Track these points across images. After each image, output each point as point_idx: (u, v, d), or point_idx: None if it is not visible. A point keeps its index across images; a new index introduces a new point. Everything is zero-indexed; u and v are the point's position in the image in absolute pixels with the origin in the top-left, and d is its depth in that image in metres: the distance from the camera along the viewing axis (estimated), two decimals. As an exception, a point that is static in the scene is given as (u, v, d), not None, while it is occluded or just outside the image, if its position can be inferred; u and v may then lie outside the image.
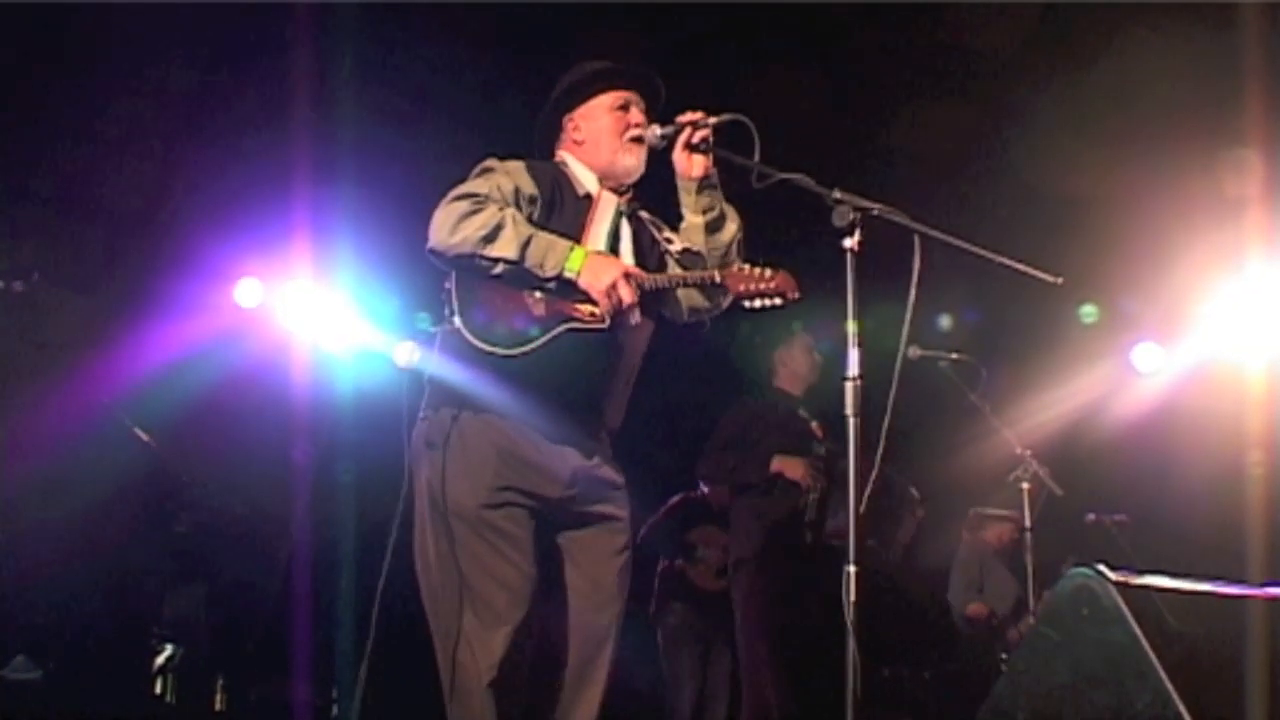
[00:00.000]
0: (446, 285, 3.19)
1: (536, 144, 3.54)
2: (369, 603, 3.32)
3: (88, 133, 6.12)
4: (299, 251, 7.28)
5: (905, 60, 6.47)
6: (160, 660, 5.76)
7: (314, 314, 7.54)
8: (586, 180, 3.43)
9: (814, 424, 5.77)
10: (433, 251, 3.16)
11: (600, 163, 3.42)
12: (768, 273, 3.18)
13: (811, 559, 5.48)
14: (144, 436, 5.90)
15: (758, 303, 3.18)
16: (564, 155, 3.49)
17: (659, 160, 3.41)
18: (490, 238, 3.08)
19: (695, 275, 3.29)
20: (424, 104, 6.53)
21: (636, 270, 3.25)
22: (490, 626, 3.06)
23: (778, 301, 3.16)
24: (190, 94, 6.15)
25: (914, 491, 5.78)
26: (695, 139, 3.30)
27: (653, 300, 3.38)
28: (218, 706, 5.88)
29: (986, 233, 2.98)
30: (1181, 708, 2.71)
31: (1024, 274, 2.94)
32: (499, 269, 3.10)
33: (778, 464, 5.46)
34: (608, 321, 3.14)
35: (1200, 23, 5.62)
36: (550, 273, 3.11)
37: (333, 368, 7.79)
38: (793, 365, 5.90)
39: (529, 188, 3.29)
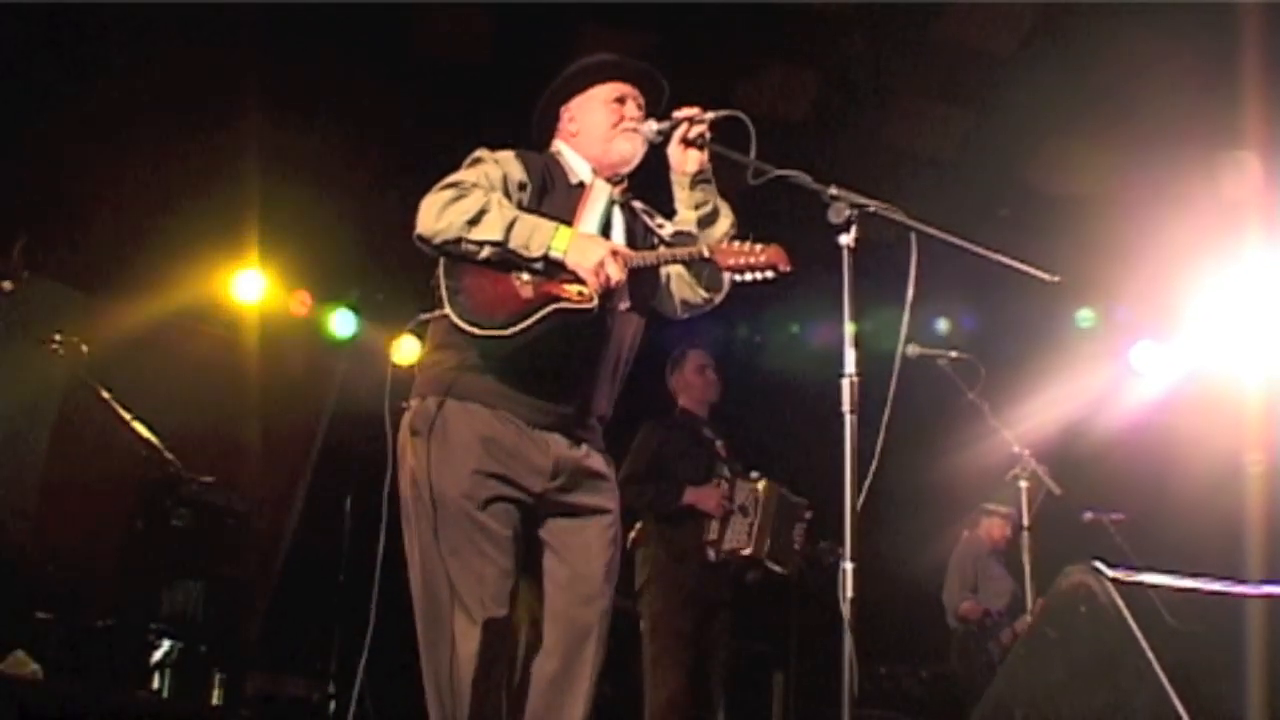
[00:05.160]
0: (435, 274, 3.18)
1: (533, 134, 3.53)
2: (366, 597, 3.31)
3: (84, 129, 6.11)
4: (299, 245, 7.30)
5: (903, 59, 6.47)
6: (158, 655, 5.75)
7: (313, 308, 7.56)
8: (580, 169, 3.42)
9: (719, 444, 5.87)
10: (419, 238, 3.14)
11: (595, 153, 3.41)
12: (758, 246, 3.13)
13: (714, 575, 5.63)
14: (143, 431, 5.89)
15: (749, 276, 3.14)
16: (559, 145, 3.48)
17: (653, 154, 3.40)
18: (475, 221, 3.06)
19: (683, 251, 3.23)
20: (427, 99, 6.54)
21: (624, 248, 3.21)
22: (469, 620, 3.04)
23: (769, 275, 3.12)
24: (189, 89, 6.14)
25: (795, 498, 5.82)
26: (691, 134, 3.28)
27: (644, 293, 3.37)
28: (215, 701, 5.87)
29: (984, 233, 2.97)
30: (1179, 706, 2.71)
31: (1020, 272, 2.94)
32: (485, 252, 3.08)
33: (690, 496, 5.59)
34: (596, 301, 3.10)
35: (1200, 23, 5.61)
36: (536, 253, 3.08)
37: (331, 362, 7.82)
38: (689, 387, 5.96)
39: (518, 174, 3.28)
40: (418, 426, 3.20)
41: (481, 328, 3.07)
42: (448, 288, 3.13)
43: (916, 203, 3.03)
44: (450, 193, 3.12)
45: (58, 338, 5.87)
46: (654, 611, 5.58)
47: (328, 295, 7.72)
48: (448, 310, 3.10)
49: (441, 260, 3.16)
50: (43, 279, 6.41)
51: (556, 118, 3.50)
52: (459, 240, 3.08)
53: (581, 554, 3.24)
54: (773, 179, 3.08)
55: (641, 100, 3.46)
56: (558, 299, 3.09)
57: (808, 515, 5.83)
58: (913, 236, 2.91)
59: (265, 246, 7.18)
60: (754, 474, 5.74)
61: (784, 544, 5.73)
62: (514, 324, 3.05)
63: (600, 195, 3.36)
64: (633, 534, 5.72)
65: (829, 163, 3.26)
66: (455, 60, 6.37)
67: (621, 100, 3.43)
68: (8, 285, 5.65)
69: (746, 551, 5.55)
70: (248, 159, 6.54)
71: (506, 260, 3.10)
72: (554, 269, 3.10)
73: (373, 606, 3.28)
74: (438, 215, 3.09)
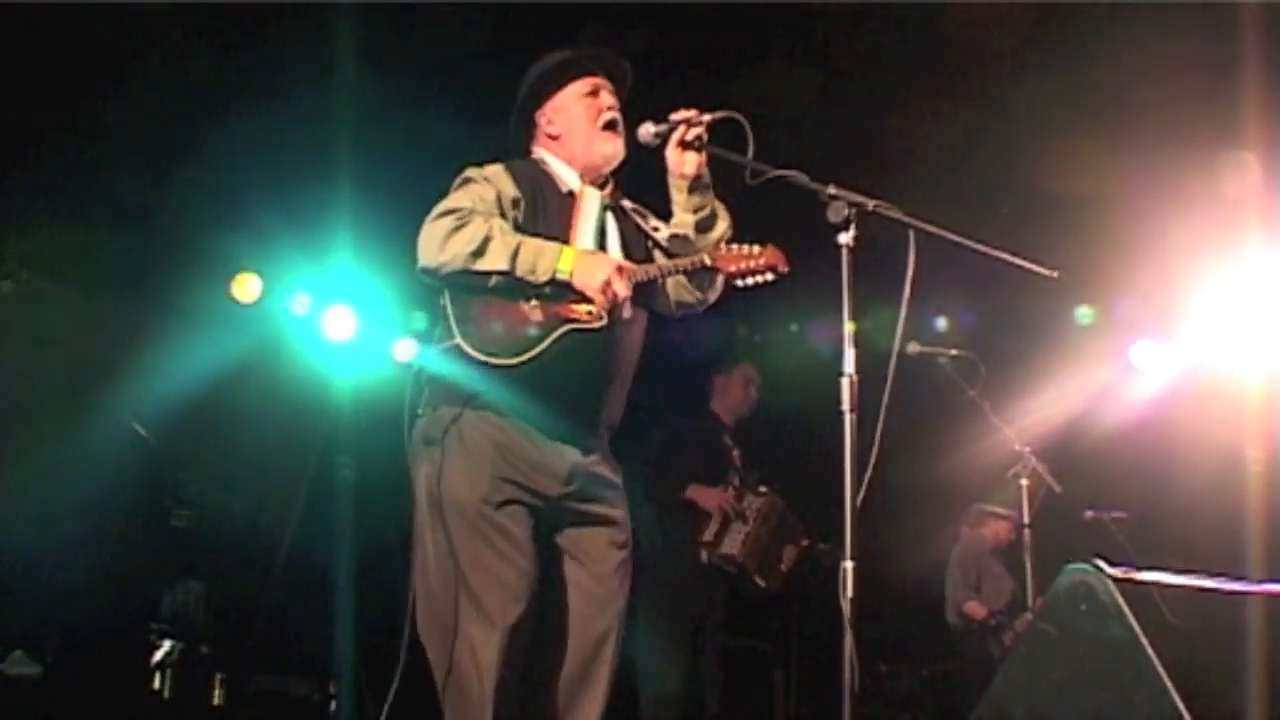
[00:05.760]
0: (441, 303, 3.19)
1: (512, 143, 3.53)
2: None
3: (85, 126, 6.11)
4: (299, 246, 7.28)
5: (902, 58, 6.46)
6: (158, 655, 5.75)
7: (313, 309, 7.55)
8: (568, 177, 3.42)
9: (735, 452, 5.96)
10: (424, 271, 3.15)
11: (578, 154, 3.41)
12: (756, 249, 3.17)
13: (704, 575, 5.71)
14: (142, 432, 5.89)
15: (749, 280, 3.17)
16: (541, 153, 3.48)
17: (652, 155, 3.40)
18: (479, 252, 3.07)
19: (685, 261, 3.27)
20: (425, 100, 6.53)
21: (628, 264, 3.23)
22: (488, 626, 3.04)
23: (769, 277, 3.15)
24: (190, 87, 6.14)
25: (796, 521, 5.88)
26: (689, 136, 3.29)
27: (642, 293, 3.37)
28: (216, 701, 5.87)
29: (984, 231, 2.97)
30: (1180, 704, 2.71)
31: (1021, 268, 2.94)
32: (493, 281, 3.10)
33: (692, 492, 5.69)
34: (605, 319, 3.13)
35: (1200, 23, 5.61)
36: (543, 277, 3.09)
37: (332, 363, 7.81)
38: (727, 394, 6.06)
39: (510, 190, 3.28)
40: (432, 435, 3.20)
41: (493, 356, 3.08)
42: (456, 317, 3.14)
43: (916, 202, 3.03)
44: (449, 222, 3.12)
45: (58, 338, 5.87)
46: (648, 604, 5.60)
47: (328, 296, 7.70)
48: (458, 340, 3.11)
49: (446, 289, 3.17)
50: (43, 279, 6.41)
51: (533, 124, 3.50)
52: (464, 271, 3.09)
53: (597, 559, 3.28)
54: (771, 179, 3.08)
55: (612, 88, 3.47)
56: (568, 320, 3.11)
57: (804, 543, 5.88)
58: (911, 234, 2.91)
59: (265, 246, 7.17)
60: (762, 488, 5.80)
61: (771, 560, 5.79)
62: (526, 350, 3.08)
63: (591, 203, 3.37)
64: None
65: (828, 162, 3.25)
66: (454, 60, 6.36)
67: (594, 93, 3.44)
68: (7, 286, 5.66)
69: (734, 554, 5.60)
70: (247, 157, 6.53)
71: (513, 285, 3.10)
72: (561, 289, 3.11)
73: (408, 620, 3.23)
74: (440, 247, 3.09)
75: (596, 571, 3.26)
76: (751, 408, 6.09)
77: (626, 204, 3.47)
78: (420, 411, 3.28)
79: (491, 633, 3.04)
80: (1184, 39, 5.73)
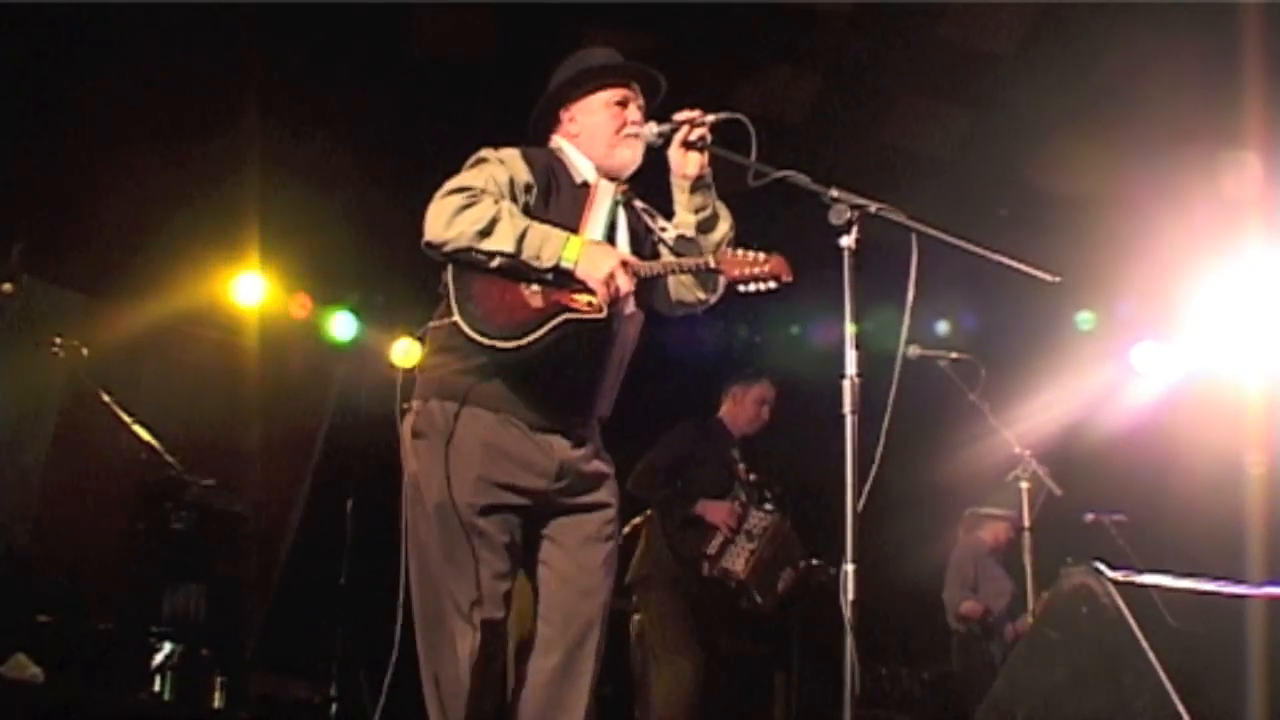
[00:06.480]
0: (444, 279, 3.18)
1: (531, 131, 3.53)
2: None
3: (85, 131, 6.12)
4: (299, 248, 7.29)
5: (903, 60, 6.47)
6: (159, 658, 5.74)
7: (313, 310, 7.57)
8: (584, 168, 3.41)
9: (740, 465, 5.94)
10: (429, 245, 3.13)
11: (595, 156, 3.41)
12: (761, 256, 3.15)
13: (704, 588, 5.69)
14: (143, 434, 5.89)
15: (752, 286, 3.16)
16: (560, 142, 3.47)
17: (653, 156, 3.40)
18: (486, 231, 3.06)
19: (690, 261, 3.27)
20: (423, 103, 6.53)
21: (633, 258, 3.22)
22: (465, 624, 3.06)
23: (772, 285, 3.14)
24: (190, 91, 6.14)
25: (799, 544, 5.88)
26: (692, 137, 3.28)
27: (643, 291, 3.37)
28: (216, 704, 5.86)
29: (984, 233, 2.97)
30: (1180, 706, 2.71)
31: (1021, 272, 2.94)
32: (496, 262, 3.08)
33: (701, 508, 5.67)
34: (606, 311, 3.11)
35: (1199, 23, 5.62)
36: (547, 264, 3.08)
37: (331, 365, 7.82)
38: (741, 409, 6.03)
39: (524, 175, 3.27)
40: (420, 429, 3.21)
41: (492, 338, 3.07)
42: (457, 295, 3.12)
43: (916, 203, 3.03)
44: (459, 199, 3.10)
45: (58, 340, 5.88)
46: (657, 602, 5.63)
47: (328, 298, 7.72)
48: (458, 318, 3.10)
49: (450, 266, 3.16)
50: (43, 282, 6.42)
51: (556, 118, 3.50)
52: (469, 249, 3.07)
53: (581, 547, 3.26)
54: (773, 180, 3.08)
55: (641, 101, 3.46)
56: (567, 309, 3.09)
57: (801, 565, 5.88)
58: (913, 237, 2.91)
59: (265, 249, 7.18)
60: (768, 505, 5.80)
61: (770, 580, 5.79)
62: (524, 335, 3.06)
63: (605, 196, 3.36)
64: (634, 523, 5.79)
65: (829, 163, 3.26)
66: (456, 62, 6.37)
67: (623, 104, 3.43)
68: (7, 288, 5.66)
69: (737, 570, 5.61)
70: (248, 161, 6.54)
71: (517, 268, 3.10)
72: (564, 277, 3.11)
73: (399, 612, 3.23)
74: (448, 223, 3.08)
75: (582, 561, 3.24)
76: (759, 429, 6.06)
77: (638, 203, 3.47)
78: (410, 405, 3.27)
79: (470, 629, 3.06)
80: (1183, 40, 5.74)
